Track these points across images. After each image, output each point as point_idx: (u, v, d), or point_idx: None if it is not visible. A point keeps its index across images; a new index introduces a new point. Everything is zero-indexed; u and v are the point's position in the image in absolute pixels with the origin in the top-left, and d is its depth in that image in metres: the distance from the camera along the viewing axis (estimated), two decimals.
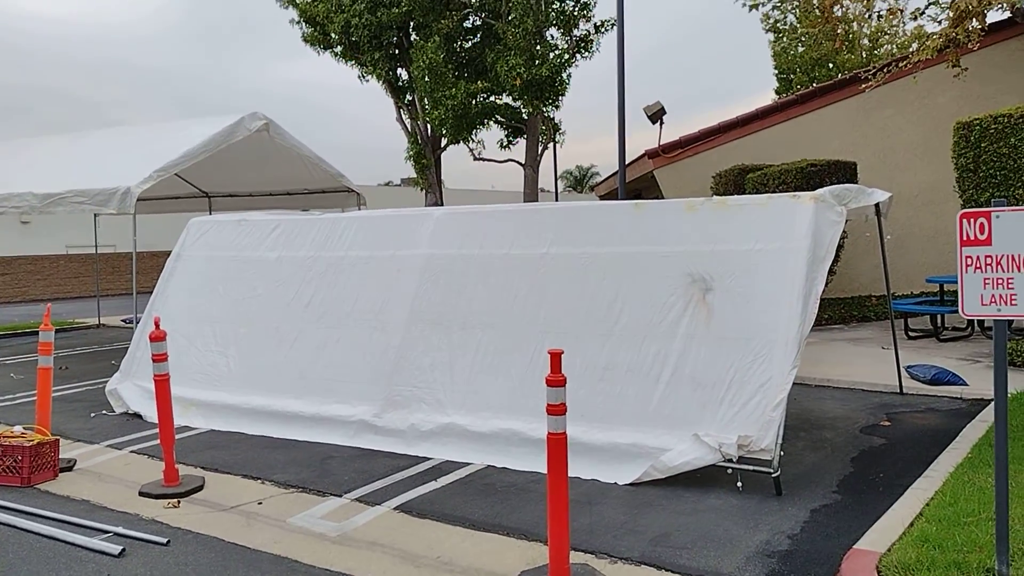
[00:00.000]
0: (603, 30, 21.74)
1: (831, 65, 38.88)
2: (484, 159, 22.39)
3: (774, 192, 13.20)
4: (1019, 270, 3.59)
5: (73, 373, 11.18)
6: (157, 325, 6.01)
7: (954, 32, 10.43)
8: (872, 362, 9.73)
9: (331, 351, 7.55)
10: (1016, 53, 14.28)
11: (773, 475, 5.37)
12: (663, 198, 15.38)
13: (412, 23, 21.89)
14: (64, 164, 11.43)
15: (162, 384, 5.97)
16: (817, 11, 15.54)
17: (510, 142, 23.17)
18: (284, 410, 7.44)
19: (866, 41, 39.20)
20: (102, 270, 29.08)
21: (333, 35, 22.95)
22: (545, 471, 5.97)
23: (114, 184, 9.84)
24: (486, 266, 7.08)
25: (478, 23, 22.27)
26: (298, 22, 23.97)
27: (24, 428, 6.43)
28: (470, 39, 22.46)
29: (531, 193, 21.86)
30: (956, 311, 12.05)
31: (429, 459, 6.48)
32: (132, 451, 7.05)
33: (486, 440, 6.44)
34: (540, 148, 21.97)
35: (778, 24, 40.06)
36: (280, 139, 11.25)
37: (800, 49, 39.63)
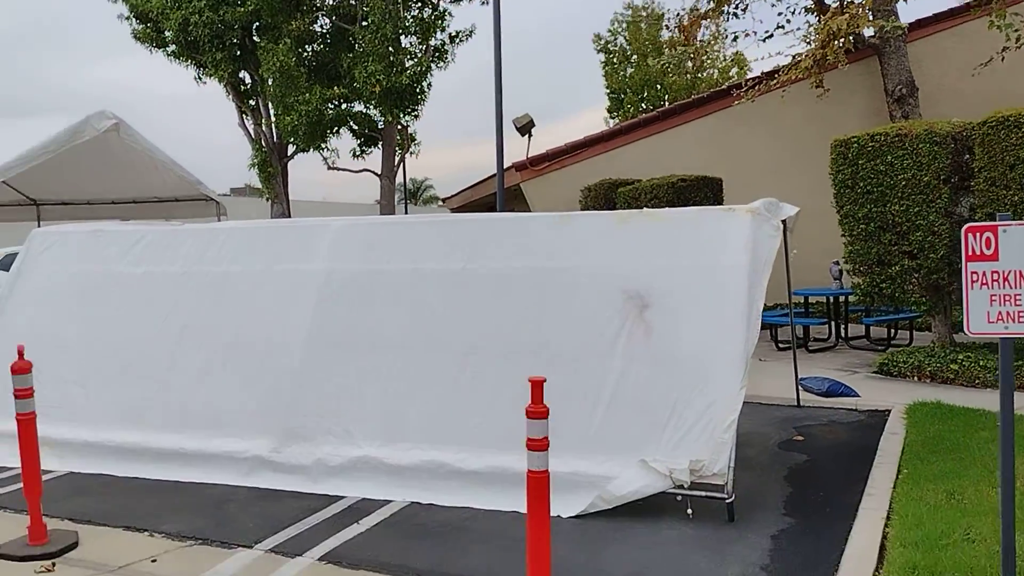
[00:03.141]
0: (458, 40, 21.46)
1: (659, 86, 40.54)
2: (338, 168, 21.50)
3: (647, 205, 13.32)
4: None
5: None
6: (21, 355, 5.04)
7: (823, 52, 10.83)
8: (762, 376, 9.83)
9: (215, 378, 6.71)
10: (858, 77, 15.15)
11: (727, 500, 5.13)
12: (530, 211, 15.21)
13: (258, 23, 20.72)
14: None
15: (27, 424, 5.01)
16: (678, 34, 15.81)
17: (363, 151, 22.40)
18: (160, 447, 6.53)
19: (689, 64, 41.18)
20: None
21: (168, 33, 21.38)
22: (478, 506, 5.55)
23: None
24: (395, 282, 6.49)
25: (329, 27, 21.39)
26: (128, 18, 22.21)
27: None
28: (320, 43, 21.54)
29: (387, 204, 21.18)
30: (823, 323, 12.61)
31: (342, 497, 5.82)
32: None
33: (406, 474, 5.85)
34: (397, 158, 21.33)
35: (609, 45, 41.39)
36: (131, 141, 10.10)
37: (630, 71, 41.09)
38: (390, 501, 5.71)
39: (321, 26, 21.45)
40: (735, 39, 15.23)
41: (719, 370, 5.37)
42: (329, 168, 21.32)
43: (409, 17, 19.45)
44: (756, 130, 15.93)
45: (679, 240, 5.84)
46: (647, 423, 5.44)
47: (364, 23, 19.18)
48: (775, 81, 12.80)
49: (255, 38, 20.80)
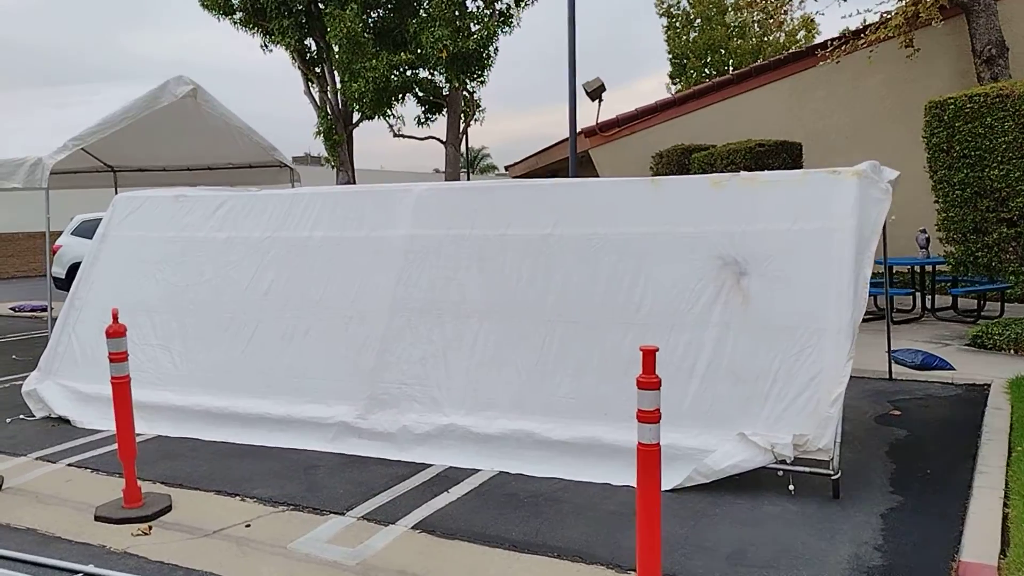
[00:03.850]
0: (523, 4, 21.08)
1: (723, 51, 39.50)
2: (404, 136, 21.40)
3: (723, 171, 12.95)
4: None
5: None
6: (115, 317, 5.04)
7: (915, 8, 10.29)
8: None
9: (299, 344, 6.69)
10: (943, 38, 14.45)
11: (833, 477, 4.91)
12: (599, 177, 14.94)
13: None
14: None
15: (122, 387, 5.02)
16: None
17: (428, 119, 22.24)
18: (247, 412, 6.54)
19: (756, 28, 40.03)
20: None
21: (235, 0, 21.44)
22: (568, 477, 5.43)
23: (20, 154, 8.56)
24: (480, 248, 6.36)
25: None
26: None
27: None
28: (385, 8, 21.36)
29: (453, 172, 21.05)
30: (909, 293, 12.15)
31: (429, 465, 5.75)
32: (69, 464, 6.03)
33: (494, 443, 5.76)
34: (462, 125, 21.15)
35: (672, 9, 40.42)
36: (208, 107, 10.11)
37: (692, 35, 40.11)
38: (478, 470, 5.62)
39: None
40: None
41: (824, 341, 5.13)
42: (395, 135, 21.23)
43: None
44: (835, 93, 15.36)
45: (779, 204, 5.57)
46: (745, 395, 5.24)
47: None
48: (862, 40, 12.24)
49: (320, 4, 20.72)
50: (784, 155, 13.09)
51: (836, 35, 14.11)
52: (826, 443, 4.92)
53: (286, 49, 21.64)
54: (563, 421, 5.65)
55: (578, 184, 6.40)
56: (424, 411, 6.07)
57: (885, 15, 11.85)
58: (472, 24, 19.02)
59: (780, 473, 5.03)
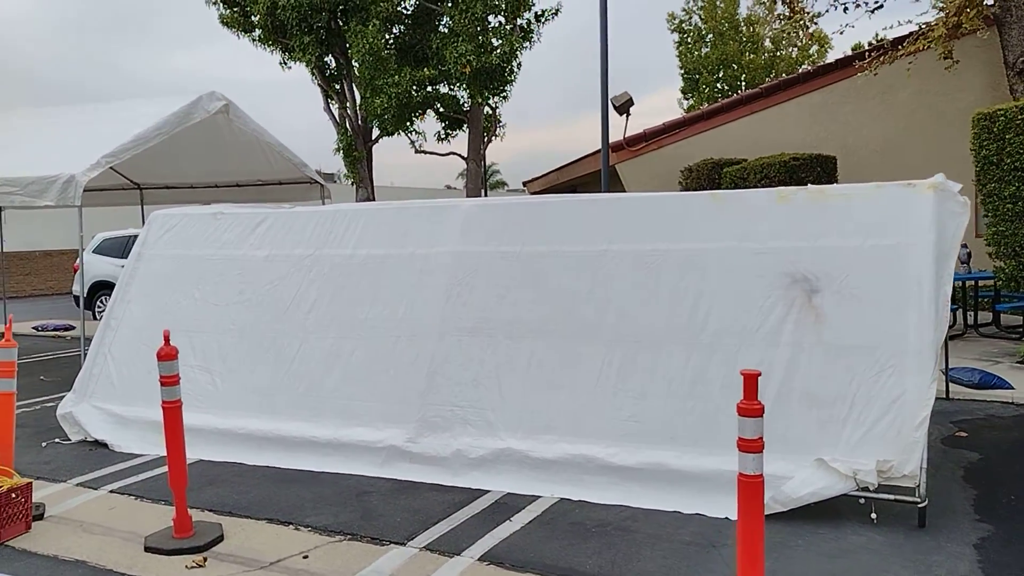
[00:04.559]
0: (543, 19, 20.99)
1: (735, 66, 39.38)
2: (425, 151, 21.28)
3: (756, 185, 12.75)
4: None
5: None
6: (167, 339, 4.86)
7: (956, 19, 10.09)
8: None
9: (345, 365, 6.48)
10: (971, 49, 14.24)
11: (920, 505, 4.67)
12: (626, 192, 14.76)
13: (344, 6, 20.56)
14: None
15: (173, 412, 4.82)
16: (783, 5, 15.13)
17: (448, 134, 22.13)
18: (292, 435, 6.34)
19: (768, 43, 39.94)
20: None
21: (255, 17, 21.45)
22: (634, 504, 5.18)
23: (52, 172, 8.42)
24: (532, 266, 6.16)
25: (414, 7, 21.11)
26: (215, 3, 22.32)
27: None
28: (406, 24, 21.30)
29: (474, 188, 20.92)
30: (954, 309, 11.86)
31: (485, 492, 5.53)
32: (111, 491, 5.82)
33: (553, 468, 5.53)
34: (484, 141, 21.02)
35: (683, 24, 40.35)
36: (239, 123, 9.96)
37: (705, 50, 40.02)
38: (537, 497, 5.39)
39: (406, 7, 21.21)
40: (844, 10, 14.42)
41: (905, 361, 4.90)
42: (417, 151, 21.11)
43: None
44: (864, 106, 15.17)
45: (851, 219, 5.35)
46: (822, 418, 5.01)
47: (453, 2, 18.85)
48: (900, 51, 12.05)
49: (341, 21, 20.66)
50: (818, 168, 12.87)
51: (872, 45, 13.92)
52: (912, 469, 4.68)
53: (306, 66, 21.61)
54: (626, 445, 5.42)
55: (634, 199, 6.19)
56: (478, 434, 5.85)
57: (924, 26, 11.64)
58: (494, 39, 18.93)
59: (862, 501, 4.79)
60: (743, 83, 39.95)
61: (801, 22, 15.24)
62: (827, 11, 14.99)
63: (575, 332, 5.87)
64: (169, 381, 4.82)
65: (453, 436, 5.91)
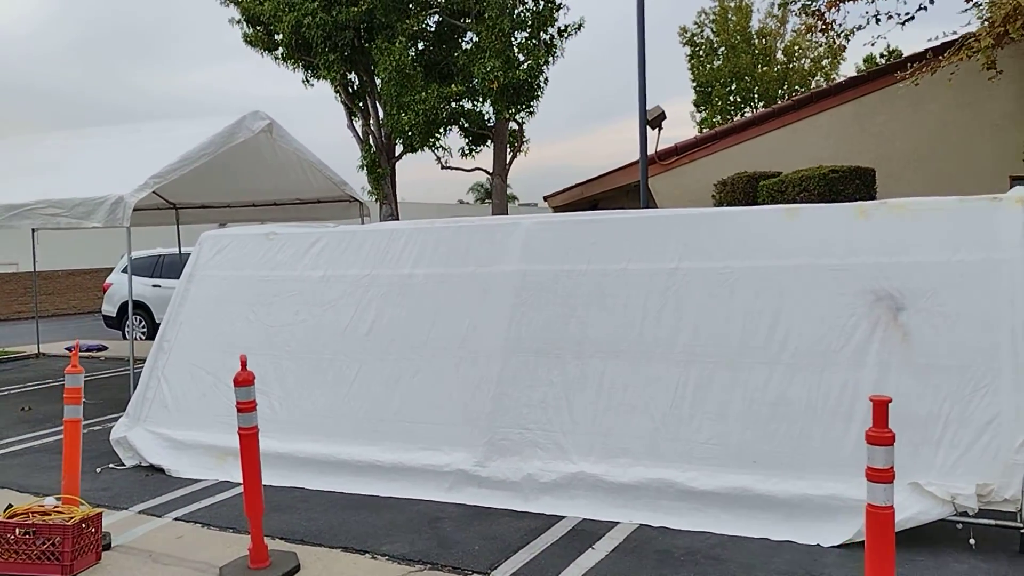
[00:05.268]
0: (567, 35, 20.95)
1: (747, 78, 39.27)
2: (451, 167, 21.24)
3: (795, 199, 12.61)
4: None
5: (40, 415, 9.55)
6: (243, 364, 4.76)
7: (1003, 28, 9.96)
8: None
9: (407, 387, 6.37)
10: (1007, 60, 14.09)
11: (1022, 530, 4.51)
12: (657, 207, 14.64)
13: (368, 24, 20.59)
14: (26, 170, 9.81)
15: (250, 439, 4.72)
16: (811, 18, 15.04)
17: (472, 150, 22.08)
18: (354, 459, 6.22)
19: (781, 55, 39.87)
20: (9, 292, 26.50)
21: (279, 36, 21.51)
22: (719, 531, 5.02)
23: (99, 193, 8.36)
24: (600, 284, 6.04)
25: (438, 23, 21.13)
26: (239, 21, 22.42)
27: (56, 499, 5.06)
28: (431, 41, 21.31)
29: (500, 204, 20.84)
30: None
31: (560, 518, 5.39)
32: (176, 518, 5.71)
33: (629, 493, 5.39)
34: (509, 156, 20.95)
35: (695, 38, 40.31)
36: (283, 142, 9.90)
37: (717, 63, 39.94)
38: (615, 523, 5.25)
39: (430, 24, 21.21)
40: (876, 21, 14.30)
41: (1001, 381, 4.75)
42: (443, 167, 21.07)
43: (525, 11, 18.99)
44: (897, 117, 15.01)
45: (934, 234, 5.20)
46: (914, 440, 4.85)
47: (479, 18, 18.84)
48: (941, 60, 11.92)
49: (364, 38, 20.68)
50: (857, 181, 12.70)
51: (915, 53, 13.79)
52: (1013, 493, 4.52)
53: (331, 83, 21.62)
54: (706, 469, 5.28)
55: (704, 214, 6.07)
56: (549, 458, 5.72)
57: (968, 35, 11.50)
58: (520, 55, 18.91)
59: (959, 526, 4.64)
60: (756, 95, 39.89)
61: (833, 34, 15.15)
62: (863, 25, 14.84)
63: (647, 352, 5.74)
64: (246, 407, 4.72)
65: (523, 459, 5.78)
